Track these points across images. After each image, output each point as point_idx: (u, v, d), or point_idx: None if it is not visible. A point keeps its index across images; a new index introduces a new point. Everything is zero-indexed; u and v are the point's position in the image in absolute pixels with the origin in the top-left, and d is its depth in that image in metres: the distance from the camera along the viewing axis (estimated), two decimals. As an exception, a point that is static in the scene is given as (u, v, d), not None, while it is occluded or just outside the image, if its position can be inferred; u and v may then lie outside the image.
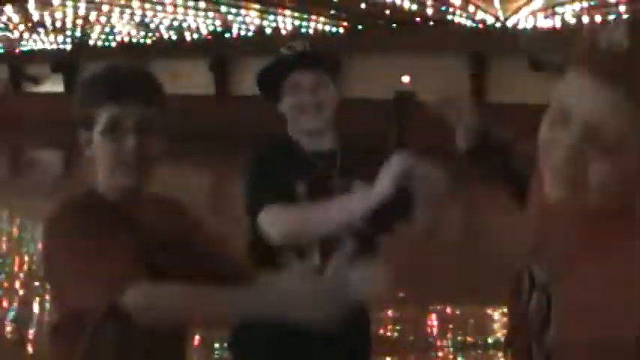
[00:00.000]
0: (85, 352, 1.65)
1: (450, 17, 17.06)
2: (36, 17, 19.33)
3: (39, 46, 25.50)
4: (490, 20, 16.98)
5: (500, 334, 5.20)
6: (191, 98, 20.40)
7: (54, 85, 26.97)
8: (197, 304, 1.53)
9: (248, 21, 19.48)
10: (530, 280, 1.25)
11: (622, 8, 14.59)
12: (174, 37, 22.29)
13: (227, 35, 21.46)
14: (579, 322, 1.11)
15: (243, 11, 18.16)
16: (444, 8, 16.26)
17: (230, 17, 18.92)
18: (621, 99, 1.02)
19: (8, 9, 18.21)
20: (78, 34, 22.17)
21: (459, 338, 5.42)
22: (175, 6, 17.58)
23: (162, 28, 21.12)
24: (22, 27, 21.10)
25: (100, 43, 23.33)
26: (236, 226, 2.46)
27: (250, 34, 21.05)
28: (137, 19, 19.46)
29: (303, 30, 19.22)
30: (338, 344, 2.29)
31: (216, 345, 4.81)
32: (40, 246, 1.75)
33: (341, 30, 19.59)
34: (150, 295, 1.51)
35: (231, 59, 22.69)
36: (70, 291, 1.64)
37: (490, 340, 5.28)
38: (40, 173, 16.12)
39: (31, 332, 5.34)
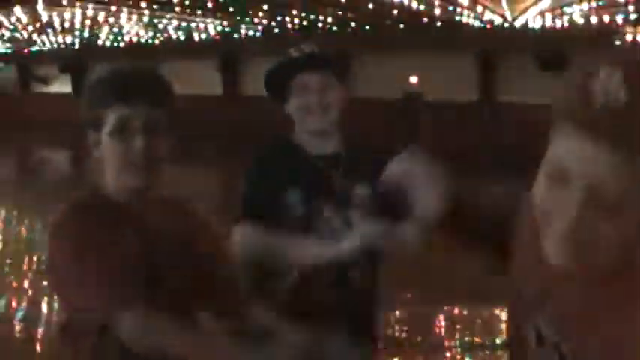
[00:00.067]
0: (93, 350, 1.66)
1: (457, 17, 17.01)
2: (45, 18, 19.38)
3: (47, 46, 25.57)
4: (498, 20, 16.93)
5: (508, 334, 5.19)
6: (199, 98, 20.41)
7: (62, 86, 27.04)
8: (192, 351, 1.57)
9: (256, 21, 19.49)
10: (537, 335, 1.21)
11: (631, 8, 14.53)
12: (182, 38, 22.31)
13: (235, 36, 21.46)
14: None
15: (251, 11, 18.16)
16: (451, 8, 16.22)
17: (238, 17, 18.93)
18: (623, 158, 0.98)
19: (17, 10, 18.26)
20: (86, 34, 22.21)
21: (467, 338, 5.42)
22: (183, 6, 17.58)
23: (170, 28, 21.14)
24: (30, 27, 21.15)
25: (108, 43, 23.37)
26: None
27: (258, 34, 21.05)
28: (145, 19, 19.49)
29: (311, 30, 19.21)
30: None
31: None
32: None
33: (348, 30, 19.57)
34: (146, 328, 1.55)
35: (240, 59, 22.70)
36: (72, 296, 1.66)
37: (498, 341, 5.27)
38: (49, 173, 16.18)
39: (40, 331, 5.37)
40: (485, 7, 16.22)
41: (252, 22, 19.53)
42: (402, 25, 18.12)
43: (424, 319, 5.80)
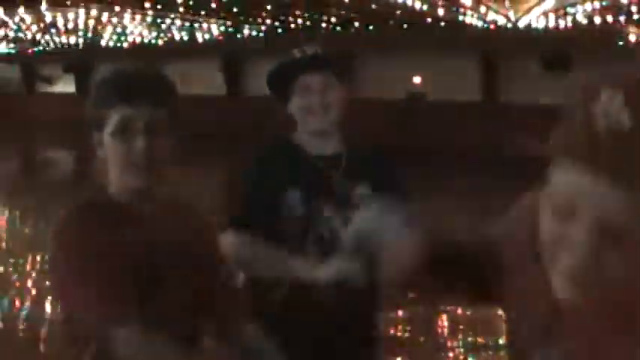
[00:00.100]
0: (97, 351, 1.67)
1: (461, 18, 17.02)
2: (48, 18, 19.43)
3: (51, 46, 25.61)
4: (501, 21, 16.93)
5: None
6: (202, 99, 20.44)
7: (66, 86, 27.09)
8: None
9: (259, 22, 19.51)
10: None
11: (634, 8, 14.52)
12: (185, 38, 22.33)
13: (238, 36, 21.48)
14: None
15: (254, 12, 18.18)
16: (455, 9, 16.22)
17: (241, 18, 18.95)
18: (629, 189, 0.94)
19: (21, 10, 18.31)
20: (90, 35, 22.25)
21: (470, 339, 5.42)
22: (187, 7, 17.61)
23: (173, 29, 21.18)
24: (34, 28, 21.20)
25: (111, 44, 23.41)
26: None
27: (261, 35, 21.07)
28: (149, 20, 19.52)
29: (315, 30, 19.22)
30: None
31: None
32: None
33: (352, 30, 19.58)
34: (141, 346, 1.56)
35: (243, 59, 22.72)
36: (69, 301, 1.67)
37: (501, 341, 5.27)
38: (53, 173, 16.20)
39: (44, 331, 5.37)
40: (488, 8, 16.23)
41: (255, 22, 19.55)
42: (405, 26, 18.13)
43: (427, 319, 5.81)
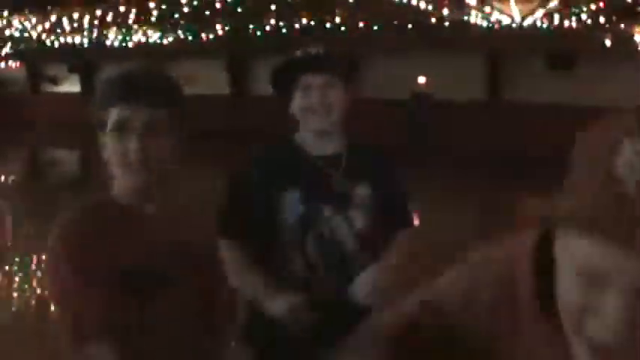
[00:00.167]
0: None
1: (465, 18, 16.99)
2: (53, 18, 19.45)
3: (56, 46, 25.63)
4: (506, 20, 16.90)
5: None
6: (208, 98, 20.45)
7: (72, 86, 27.13)
8: None
9: (264, 22, 19.50)
10: None
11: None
12: (190, 38, 22.33)
13: (243, 36, 21.46)
14: None
15: (259, 12, 18.17)
16: (459, 9, 16.20)
17: (246, 18, 18.95)
18: None
19: (26, 10, 18.34)
20: (95, 35, 22.26)
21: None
22: (192, 6, 17.61)
23: (178, 28, 21.17)
24: (39, 28, 21.23)
25: (116, 44, 23.42)
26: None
27: (266, 35, 21.05)
28: (153, 20, 19.52)
29: (319, 31, 19.22)
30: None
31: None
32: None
33: (356, 30, 19.56)
34: None
35: (248, 60, 22.72)
36: (56, 300, 1.69)
37: None
38: (58, 173, 16.22)
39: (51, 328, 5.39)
40: (493, 7, 16.20)
41: (260, 22, 19.55)
42: (410, 26, 18.10)
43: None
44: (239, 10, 17.57)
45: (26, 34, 21.89)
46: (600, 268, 0.90)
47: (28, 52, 26.16)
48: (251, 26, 20.22)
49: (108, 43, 23.24)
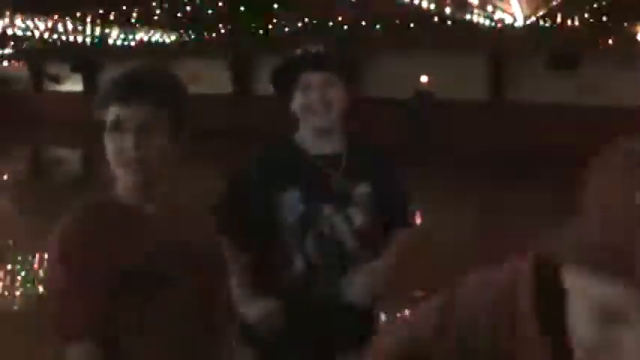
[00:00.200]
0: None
1: (468, 17, 16.98)
2: (55, 17, 19.47)
3: (58, 45, 25.65)
4: (508, 20, 16.89)
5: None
6: (210, 97, 20.47)
7: (74, 85, 27.17)
8: None
9: (266, 20, 19.48)
10: None
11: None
12: (192, 37, 22.33)
13: (246, 35, 21.46)
14: None
15: (261, 10, 18.16)
16: (462, 8, 16.19)
17: (248, 17, 18.94)
18: None
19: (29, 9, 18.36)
20: (97, 34, 22.28)
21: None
22: (194, 5, 17.62)
23: (180, 27, 21.18)
24: (42, 26, 21.25)
25: (119, 42, 23.43)
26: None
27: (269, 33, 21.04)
28: (155, 18, 19.53)
29: (322, 29, 19.21)
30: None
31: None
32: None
33: (359, 29, 19.56)
34: None
35: (250, 59, 22.73)
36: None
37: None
38: (61, 172, 16.24)
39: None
40: (495, 7, 16.19)
41: (262, 21, 19.54)
42: (412, 25, 18.10)
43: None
44: (241, 9, 17.57)
45: (29, 33, 21.90)
46: (616, 305, 0.88)
47: (31, 50, 26.22)
48: (253, 25, 20.23)
49: (110, 41, 23.25)
